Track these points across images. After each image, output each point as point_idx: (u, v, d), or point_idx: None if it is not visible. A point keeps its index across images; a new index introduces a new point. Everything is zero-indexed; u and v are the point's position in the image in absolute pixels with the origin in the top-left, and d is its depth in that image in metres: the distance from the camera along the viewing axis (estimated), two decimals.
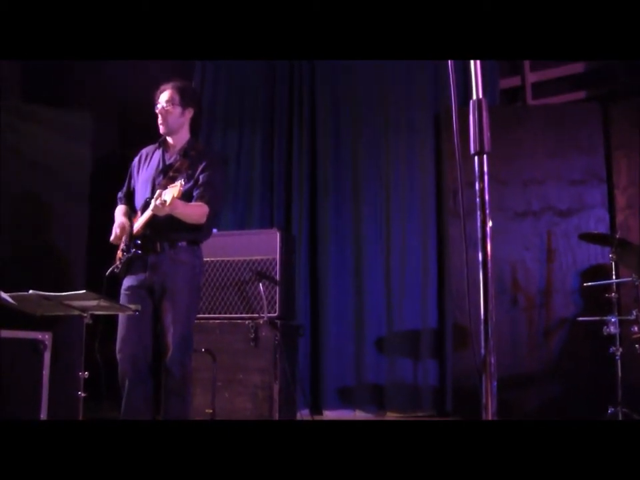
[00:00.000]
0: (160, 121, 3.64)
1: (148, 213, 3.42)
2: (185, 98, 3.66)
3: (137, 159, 3.80)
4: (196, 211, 3.50)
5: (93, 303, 3.22)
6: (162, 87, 3.71)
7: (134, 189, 3.76)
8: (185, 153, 3.64)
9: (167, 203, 3.19)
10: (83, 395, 3.24)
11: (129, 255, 3.54)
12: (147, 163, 3.73)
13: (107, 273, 3.59)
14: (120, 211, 3.73)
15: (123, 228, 3.56)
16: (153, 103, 3.69)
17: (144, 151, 3.81)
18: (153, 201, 3.30)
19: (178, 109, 3.64)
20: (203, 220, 3.53)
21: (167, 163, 3.65)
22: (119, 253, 3.62)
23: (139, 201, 3.66)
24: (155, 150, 3.75)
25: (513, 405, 5.47)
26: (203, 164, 3.58)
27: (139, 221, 3.53)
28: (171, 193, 3.21)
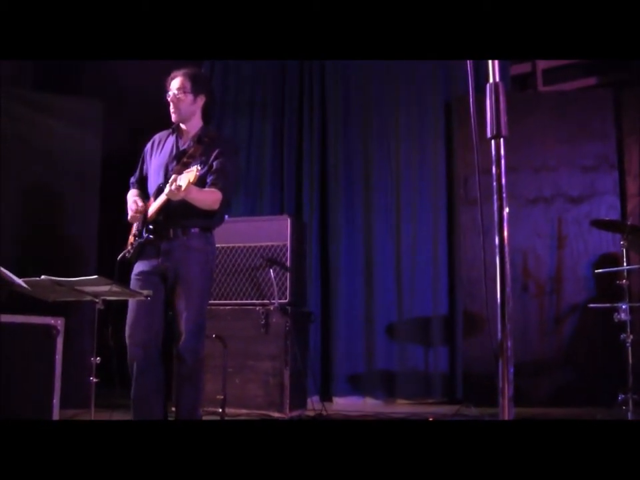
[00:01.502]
0: (172, 108, 3.60)
1: (162, 198, 3.39)
2: (196, 85, 3.61)
3: (149, 145, 3.78)
4: (209, 197, 3.47)
5: (105, 288, 3.21)
6: (173, 74, 3.65)
7: (146, 174, 3.74)
8: (198, 139, 3.59)
9: (182, 188, 3.17)
10: (95, 380, 3.25)
11: (141, 240, 3.52)
12: (159, 149, 3.70)
13: (118, 258, 3.56)
14: (133, 194, 3.71)
15: (138, 206, 3.52)
16: (164, 90, 3.67)
17: (157, 137, 3.78)
18: (167, 186, 3.28)
19: (190, 97, 3.60)
20: (216, 206, 3.50)
21: (181, 149, 3.61)
22: (131, 238, 3.60)
23: (151, 187, 3.63)
24: (169, 136, 3.72)
25: (525, 392, 5.48)
26: (217, 151, 3.56)
27: (153, 206, 3.50)
28: (186, 178, 3.18)
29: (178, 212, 3.45)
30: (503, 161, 1.93)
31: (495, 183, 1.91)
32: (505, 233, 1.89)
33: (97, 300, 3.29)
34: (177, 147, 3.63)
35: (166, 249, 3.51)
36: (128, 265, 3.62)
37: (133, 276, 3.57)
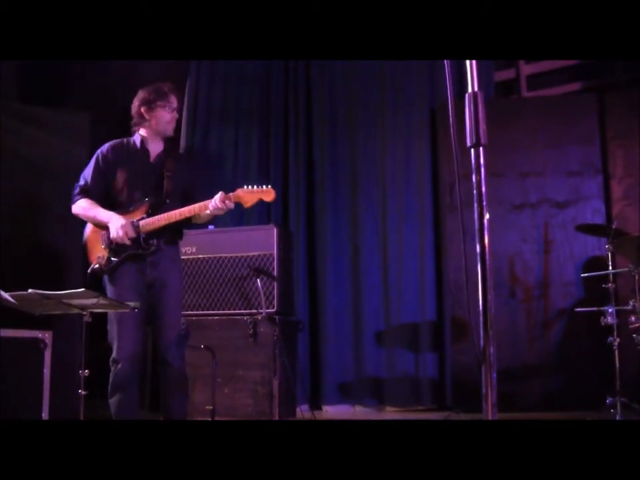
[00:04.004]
0: (172, 124, 3.70)
1: (174, 214, 3.49)
2: None
3: (108, 152, 3.69)
4: (212, 217, 3.66)
5: (92, 301, 3.22)
6: (171, 88, 3.74)
7: (106, 182, 3.66)
8: (168, 153, 3.73)
9: (249, 205, 3.49)
10: (83, 393, 3.25)
11: (135, 252, 3.54)
12: (124, 158, 3.67)
13: (89, 270, 3.59)
14: (94, 204, 3.61)
15: (126, 232, 3.50)
16: (156, 98, 3.67)
17: (116, 144, 3.72)
18: (216, 202, 3.41)
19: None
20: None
21: (152, 161, 3.67)
22: (101, 250, 3.58)
23: (123, 199, 3.61)
24: (129, 145, 3.72)
25: (514, 397, 5.50)
26: (189, 165, 3.69)
27: (152, 220, 3.53)
28: (255, 197, 3.44)
29: (172, 226, 3.56)
30: (482, 169, 1.94)
31: (475, 191, 1.93)
32: (486, 240, 1.91)
33: (84, 313, 3.30)
34: (148, 159, 3.68)
35: (153, 260, 3.56)
36: (97, 276, 3.61)
37: (113, 286, 3.56)
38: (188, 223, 3.66)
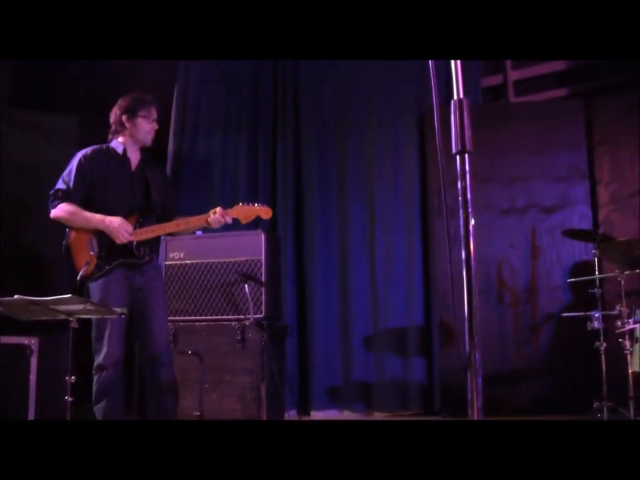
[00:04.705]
0: (152, 135, 3.77)
1: (169, 226, 3.62)
2: None
3: (89, 158, 3.68)
4: None
5: (79, 307, 3.22)
6: (153, 99, 3.83)
7: (86, 188, 3.65)
8: (146, 160, 3.81)
9: (246, 222, 3.68)
10: (70, 399, 3.23)
11: (125, 261, 3.56)
12: (105, 165, 3.68)
13: (78, 277, 3.56)
14: (78, 208, 3.60)
15: (129, 231, 3.55)
16: (137, 108, 3.72)
17: (96, 151, 3.72)
18: (215, 217, 3.55)
19: None
20: None
21: (133, 169, 3.74)
22: (88, 256, 3.56)
23: (108, 206, 3.61)
24: (109, 152, 3.74)
25: (502, 402, 5.51)
26: (164, 176, 3.81)
27: (145, 231, 3.59)
28: (253, 214, 3.65)
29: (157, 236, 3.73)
30: (468, 176, 1.96)
31: (460, 197, 1.94)
32: (472, 246, 1.92)
33: (71, 319, 3.29)
34: (129, 168, 3.74)
35: (142, 268, 3.64)
36: (84, 283, 3.62)
37: (100, 292, 3.56)
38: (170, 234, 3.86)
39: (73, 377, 3.25)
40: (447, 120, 1.99)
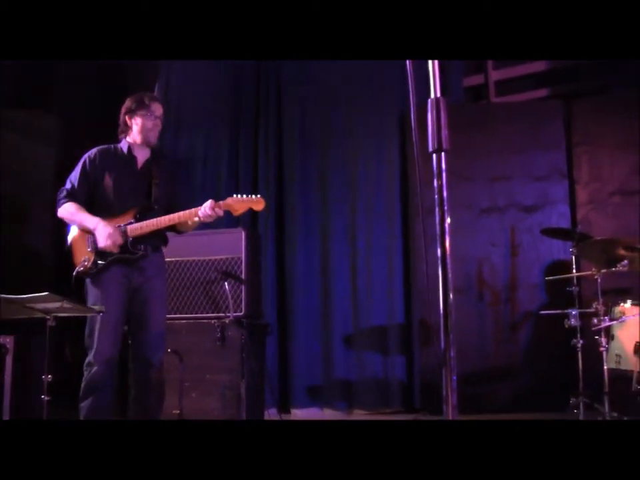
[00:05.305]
0: (155, 132, 3.75)
1: (163, 220, 3.55)
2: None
3: (95, 157, 3.73)
4: (197, 225, 3.75)
5: (56, 305, 3.21)
6: (154, 96, 3.86)
7: (91, 187, 3.70)
8: (154, 159, 3.79)
9: (238, 214, 3.60)
10: (47, 398, 3.22)
11: (121, 256, 3.55)
12: (112, 164, 3.72)
13: (74, 273, 3.60)
14: (79, 209, 3.65)
15: (114, 241, 3.54)
16: (136, 107, 3.72)
17: (102, 151, 3.77)
18: (206, 209, 3.47)
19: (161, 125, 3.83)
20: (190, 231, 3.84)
21: (139, 167, 3.74)
22: (86, 252, 3.59)
23: (111, 203, 3.65)
24: (116, 151, 3.78)
25: (482, 399, 5.55)
26: (171, 173, 3.82)
27: (141, 226, 3.57)
28: (245, 206, 3.52)
29: (158, 232, 3.66)
30: (444, 174, 1.96)
31: (436, 196, 1.95)
32: (447, 244, 1.93)
33: (48, 317, 3.27)
34: (135, 166, 3.75)
35: (140, 265, 3.62)
36: (81, 280, 3.62)
37: (96, 289, 3.57)
38: (173, 230, 3.77)
39: (49, 376, 3.24)
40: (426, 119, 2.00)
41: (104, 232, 3.53)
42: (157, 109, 3.76)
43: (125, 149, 3.75)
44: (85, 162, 3.73)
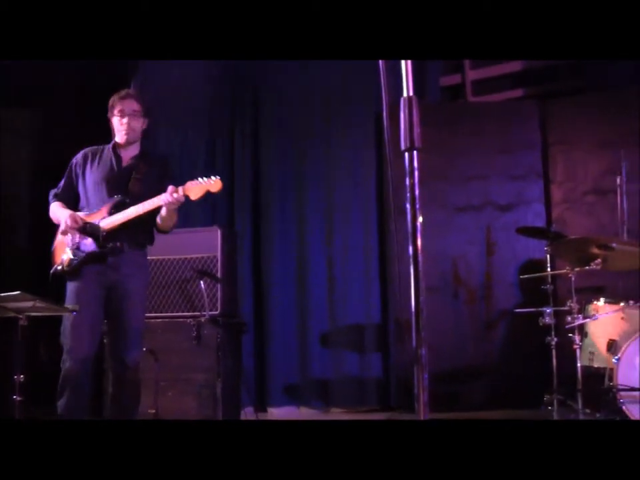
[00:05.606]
0: (125, 129, 3.69)
1: (136, 210, 3.51)
2: (144, 107, 3.78)
3: (80, 159, 3.80)
4: (175, 218, 3.67)
5: (29, 304, 3.18)
6: (125, 94, 3.76)
7: (76, 187, 3.77)
8: (142, 157, 3.76)
9: (192, 198, 3.47)
10: (19, 399, 3.18)
11: (95, 252, 3.54)
12: (95, 164, 3.74)
13: (51, 271, 3.63)
14: (60, 206, 3.73)
15: (74, 219, 3.57)
16: (110, 107, 3.70)
17: (89, 152, 3.81)
18: (167, 195, 3.43)
19: (141, 120, 3.76)
20: (172, 227, 3.74)
21: (124, 165, 3.72)
22: (65, 251, 3.60)
23: (90, 201, 3.68)
24: (103, 152, 3.78)
25: (458, 397, 5.59)
26: (162, 171, 3.74)
27: (112, 219, 3.55)
28: (200, 190, 3.45)
29: (133, 227, 3.59)
30: (416, 172, 1.97)
31: (408, 194, 1.95)
32: (419, 242, 1.94)
33: (20, 316, 3.24)
34: (119, 164, 3.72)
35: (115, 262, 3.59)
36: (60, 277, 3.61)
37: (73, 288, 3.59)
38: (157, 229, 3.72)
39: (22, 376, 3.21)
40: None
41: (65, 215, 3.59)
42: (127, 106, 3.70)
43: (110, 149, 3.75)
44: (70, 164, 3.79)
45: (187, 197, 3.48)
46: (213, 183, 3.50)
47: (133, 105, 3.71)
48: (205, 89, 6.57)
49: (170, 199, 3.44)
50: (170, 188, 3.45)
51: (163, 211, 3.55)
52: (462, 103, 6.66)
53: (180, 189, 3.46)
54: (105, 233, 3.54)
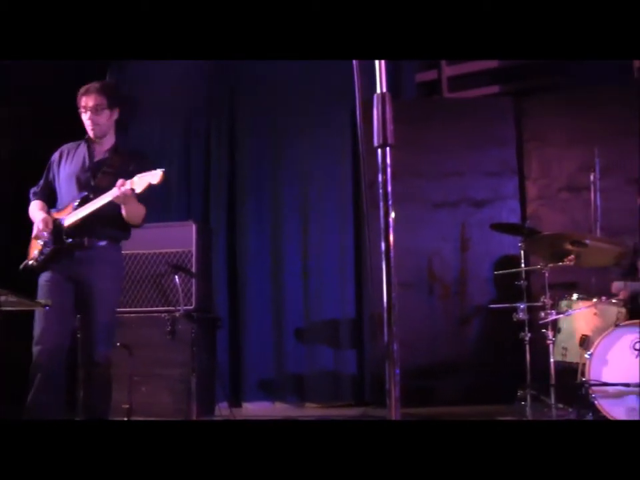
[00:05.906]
0: (90, 125, 3.63)
1: (92, 206, 3.45)
2: (111, 99, 3.65)
3: (56, 155, 3.78)
4: (141, 211, 3.58)
5: (0, 298, 3.14)
6: (86, 89, 3.65)
7: (53, 184, 3.76)
8: (116, 150, 3.70)
9: (137, 191, 3.32)
10: None
11: (57, 247, 3.52)
12: (69, 160, 3.72)
13: (21, 267, 3.62)
14: (37, 206, 3.72)
15: (46, 223, 3.55)
16: (77, 104, 3.65)
17: (65, 148, 3.78)
18: (116, 189, 3.34)
19: (107, 112, 3.65)
20: (139, 221, 3.64)
21: (96, 159, 3.67)
22: (37, 246, 3.59)
23: (63, 196, 3.67)
24: (79, 146, 3.74)
25: (433, 392, 5.62)
26: (137, 163, 3.61)
27: (74, 215, 3.52)
28: (145, 181, 3.31)
29: (99, 222, 3.53)
30: (389, 169, 1.98)
31: (380, 190, 1.96)
32: (391, 238, 1.94)
33: None
34: (91, 158, 3.68)
35: (81, 257, 3.55)
36: (33, 272, 3.60)
37: (42, 282, 3.57)
38: (122, 220, 3.61)
39: None
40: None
41: (38, 219, 3.58)
42: (89, 101, 3.60)
43: (83, 144, 3.71)
44: (49, 161, 3.78)
45: (132, 190, 3.38)
46: (153, 174, 3.37)
47: (95, 100, 3.60)
48: (182, 87, 6.53)
49: (117, 193, 3.38)
50: (119, 182, 3.38)
51: (128, 210, 3.51)
52: (437, 99, 6.69)
53: (127, 182, 3.38)
54: (67, 229, 3.52)
